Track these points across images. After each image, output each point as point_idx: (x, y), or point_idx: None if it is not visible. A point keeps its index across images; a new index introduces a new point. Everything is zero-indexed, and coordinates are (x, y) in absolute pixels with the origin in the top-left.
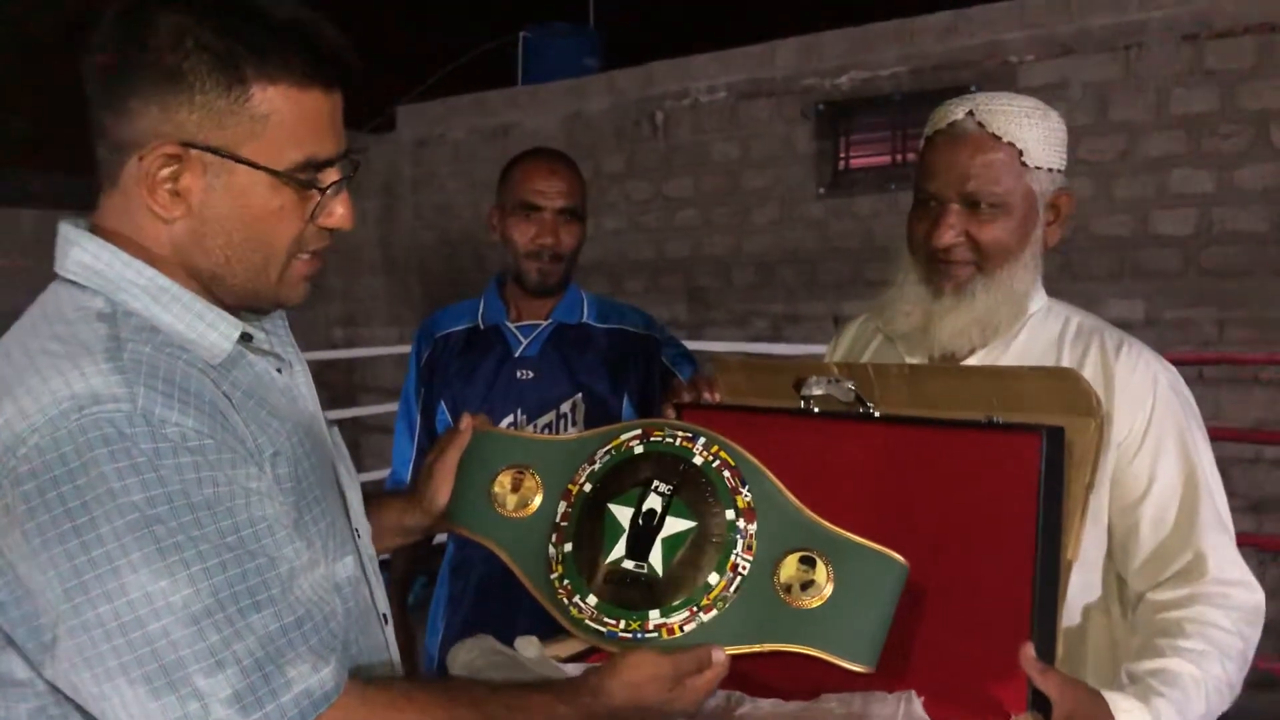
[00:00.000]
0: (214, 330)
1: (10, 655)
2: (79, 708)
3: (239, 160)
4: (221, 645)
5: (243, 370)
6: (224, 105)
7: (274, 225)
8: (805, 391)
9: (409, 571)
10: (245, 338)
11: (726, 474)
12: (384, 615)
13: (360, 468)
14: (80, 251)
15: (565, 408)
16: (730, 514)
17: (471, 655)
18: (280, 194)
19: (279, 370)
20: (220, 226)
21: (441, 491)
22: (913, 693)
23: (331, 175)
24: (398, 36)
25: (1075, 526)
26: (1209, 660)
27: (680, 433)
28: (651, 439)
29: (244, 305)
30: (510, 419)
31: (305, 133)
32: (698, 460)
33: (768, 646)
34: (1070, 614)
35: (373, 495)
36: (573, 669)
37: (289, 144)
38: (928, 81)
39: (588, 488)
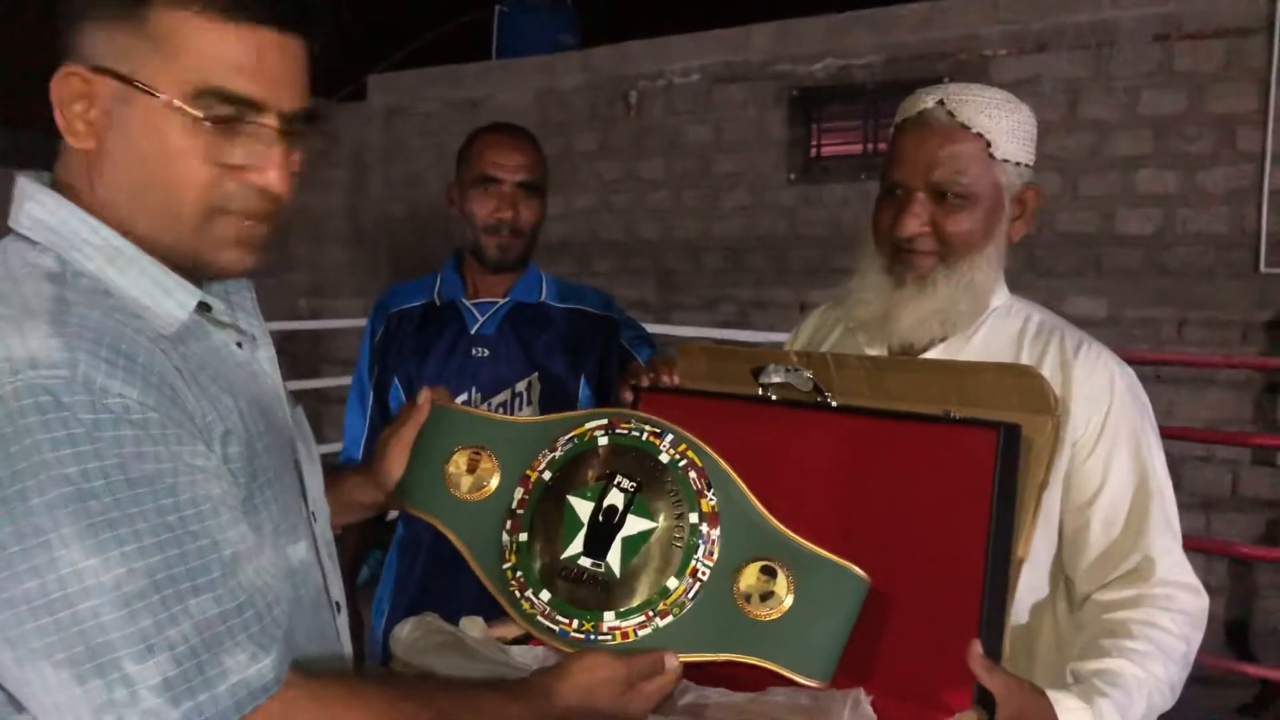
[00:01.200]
0: (170, 298)
1: None
2: (2, 690)
3: (136, 86)
4: (154, 630)
5: (198, 342)
6: (127, 28)
7: (173, 164)
8: (763, 379)
9: (359, 549)
10: (204, 308)
11: (693, 475)
12: (336, 604)
13: (321, 439)
14: (35, 206)
15: (521, 387)
16: (694, 517)
17: (416, 634)
18: (176, 127)
19: (239, 345)
20: (123, 161)
21: (395, 467)
22: (861, 690)
23: (253, 118)
24: (373, 5)
25: (1027, 525)
26: (1152, 661)
27: (648, 427)
28: (617, 431)
29: (170, 265)
30: (465, 397)
31: (214, 64)
32: (664, 458)
33: (722, 656)
34: (1018, 612)
35: (328, 469)
36: (518, 651)
37: (193, 73)
38: (902, 72)
39: (547, 476)
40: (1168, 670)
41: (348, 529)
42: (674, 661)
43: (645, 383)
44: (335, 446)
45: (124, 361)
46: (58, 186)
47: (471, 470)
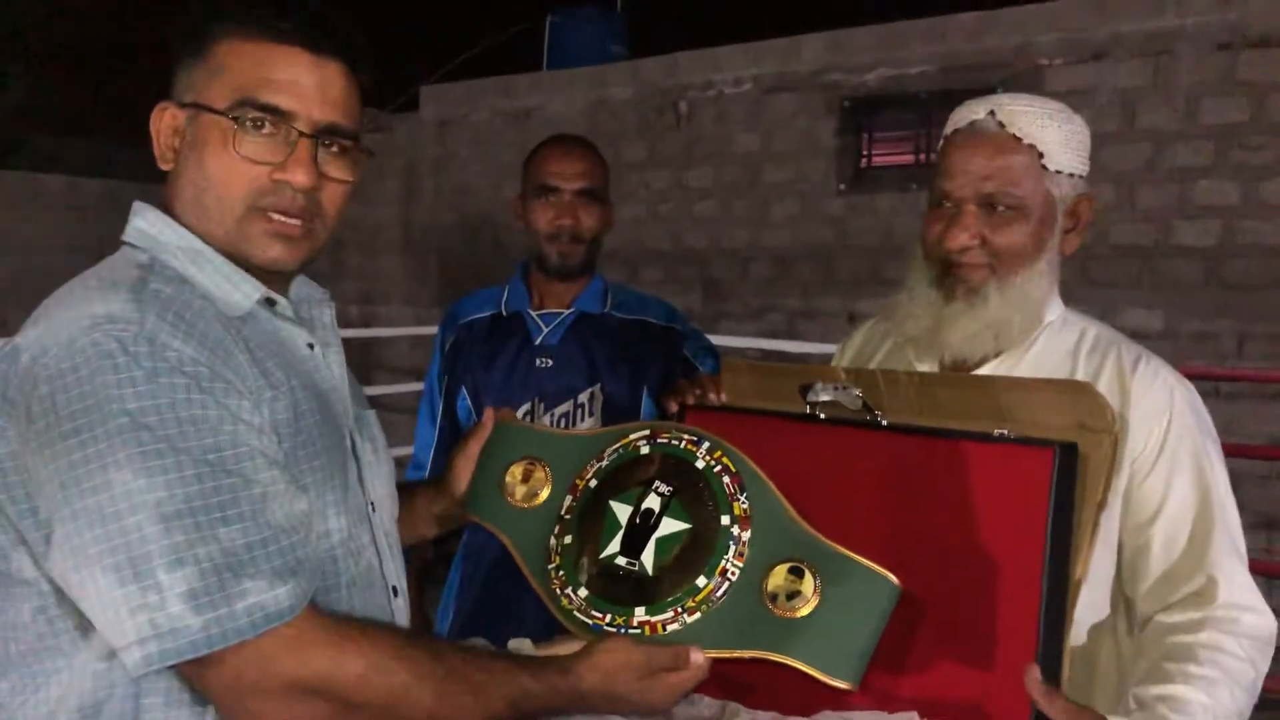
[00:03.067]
0: (237, 290)
1: (21, 553)
2: (76, 610)
3: (196, 107)
4: (185, 545)
5: (261, 326)
6: (192, 62)
7: (219, 165)
8: (811, 398)
9: (432, 555)
10: (269, 303)
11: (726, 480)
12: (394, 588)
13: None
14: (140, 220)
15: (583, 398)
16: (725, 519)
17: None
18: (216, 129)
19: (310, 346)
20: (192, 173)
21: (461, 479)
22: (915, 715)
23: (281, 124)
24: (425, 17)
25: (1085, 545)
26: (1219, 688)
27: (686, 436)
28: (658, 440)
29: (229, 257)
30: (528, 407)
31: (246, 78)
32: (699, 464)
33: (748, 653)
34: (1077, 633)
35: (405, 485)
36: None
37: (232, 87)
38: (955, 81)
39: (593, 484)
40: (1234, 697)
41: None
42: (699, 657)
43: (691, 400)
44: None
45: (185, 325)
46: (163, 204)
47: (526, 480)
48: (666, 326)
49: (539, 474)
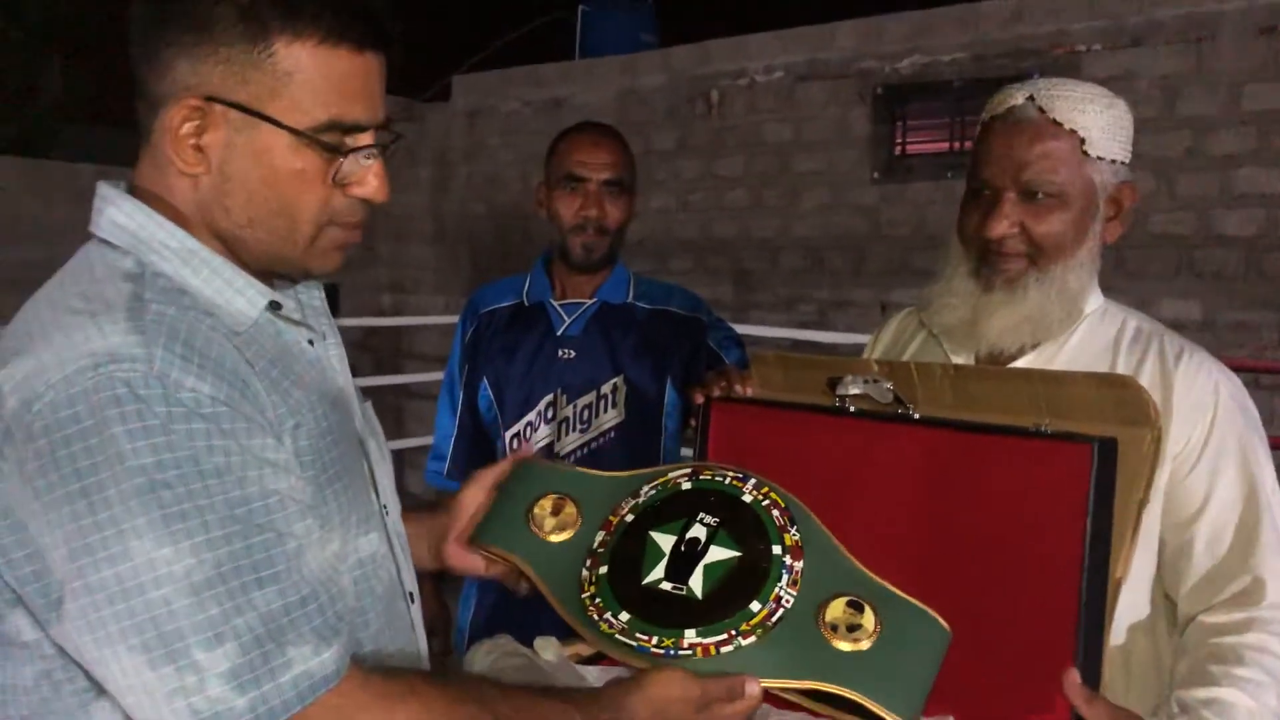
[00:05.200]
0: (241, 296)
1: (18, 615)
2: (85, 672)
3: (260, 117)
4: (222, 619)
5: (269, 339)
6: (247, 59)
7: (296, 189)
8: (840, 391)
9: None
10: (274, 306)
11: (776, 513)
12: (410, 594)
13: (403, 433)
14: (115, 211)
15: (606, 389)
16: (777, 549)
17: (491, 658)
18: (301, 156)
19: (310, 342)
20: (241, 186)
21: (470, 506)
22: (950, 718)
23: (362, 140)
24: (457, 6)
25: (1126, 544)
26: (1266, 692)
27: (730, 473)
28: (700, 477)
29: (269, 271)
30: (550, 398)
31: (330, 93)
32: (747, 498)
33: (806, 683)
34: (1115, 632)
35: (407, 512)
36: (592, 672)
37: (313, 103)
38: (989, 69)
39: (629, 518)
40: None
41: None
42: (755, 688)
43: (717, 392)
44: (418, 441)
45: (198, 357)
46: (135, 192)
47: (556, 513)
48: (691, 316)
49: (569, 509)
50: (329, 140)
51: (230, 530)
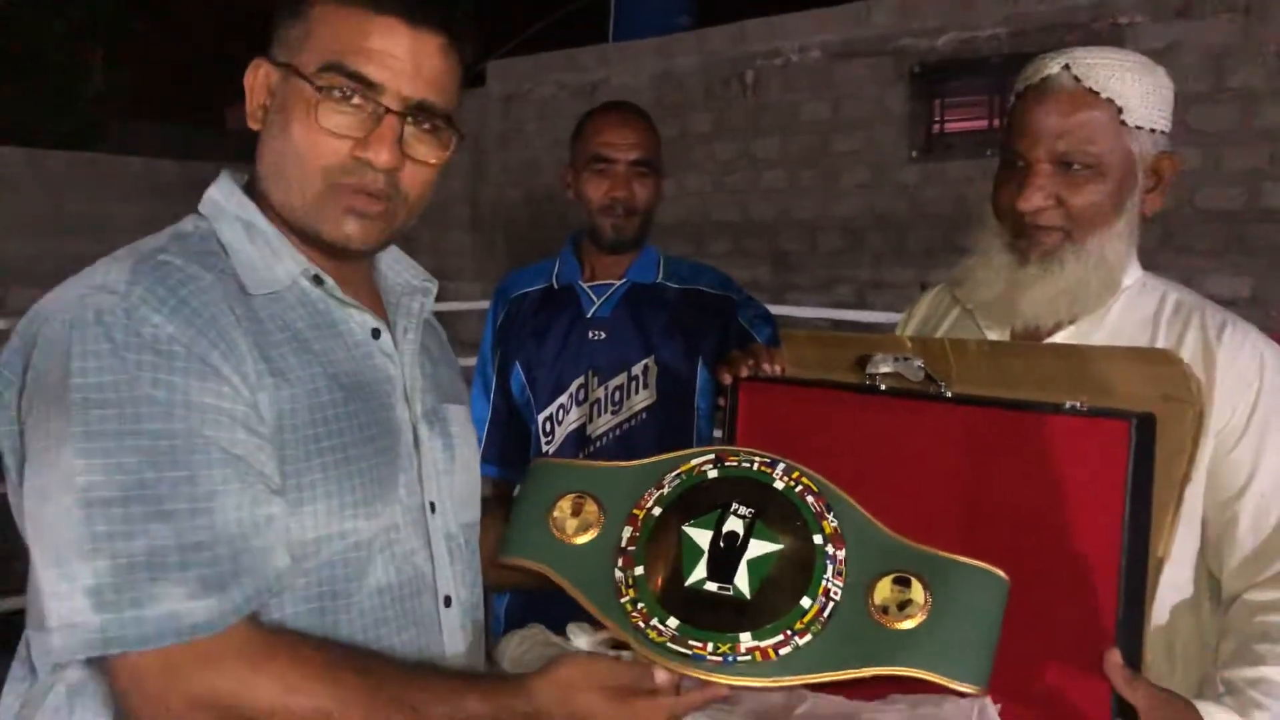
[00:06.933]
0: (281, 264)
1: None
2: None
3: (282, 66)
4: (105, 537)
5: (302, 307)
6: (289, 20)
7: (301, 132)
8: (870, 369)
9: None
10: (317, 281)
11: (810, 499)
12: (446, 597)
13: None
14: (215, 189)
15: (637, 370)
16: (818, 539)
17: (522, 648)
18: (301, 95)
19: (376, 332)
20: (276, 136)
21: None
22: (988, 700)
23: (367, 96)
24: None
25: (1167, 522)
26: None
27: (758, 458)
28: (726, 464)
29: (297, 230)
30: (580, 380)
31: (336, 41)
32: (779, 485)
33: (869, 671)
34: (1158, 611)
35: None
36: (627, 657)
37: (321, 51)
38: (1029, 44)
39: (656, 511)
40: None
41: None
42: (663, 678)
43: (745, 372)
44: None
45: (174, 300)
46: (253, 175)
47: (576, 514)
48: (721, 295)
49: (589, 507)
50: (322, 82)
51: (144, 459)
